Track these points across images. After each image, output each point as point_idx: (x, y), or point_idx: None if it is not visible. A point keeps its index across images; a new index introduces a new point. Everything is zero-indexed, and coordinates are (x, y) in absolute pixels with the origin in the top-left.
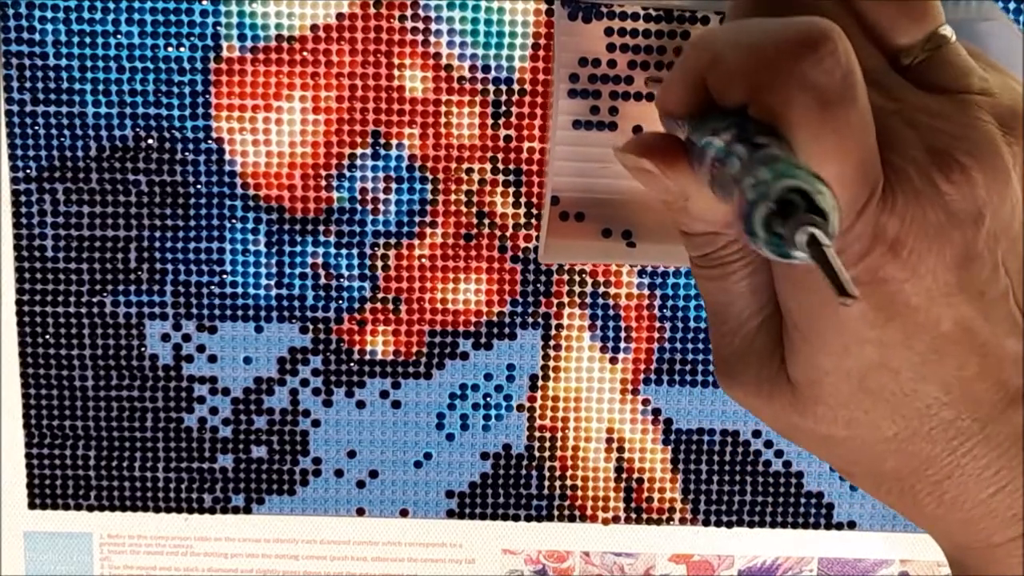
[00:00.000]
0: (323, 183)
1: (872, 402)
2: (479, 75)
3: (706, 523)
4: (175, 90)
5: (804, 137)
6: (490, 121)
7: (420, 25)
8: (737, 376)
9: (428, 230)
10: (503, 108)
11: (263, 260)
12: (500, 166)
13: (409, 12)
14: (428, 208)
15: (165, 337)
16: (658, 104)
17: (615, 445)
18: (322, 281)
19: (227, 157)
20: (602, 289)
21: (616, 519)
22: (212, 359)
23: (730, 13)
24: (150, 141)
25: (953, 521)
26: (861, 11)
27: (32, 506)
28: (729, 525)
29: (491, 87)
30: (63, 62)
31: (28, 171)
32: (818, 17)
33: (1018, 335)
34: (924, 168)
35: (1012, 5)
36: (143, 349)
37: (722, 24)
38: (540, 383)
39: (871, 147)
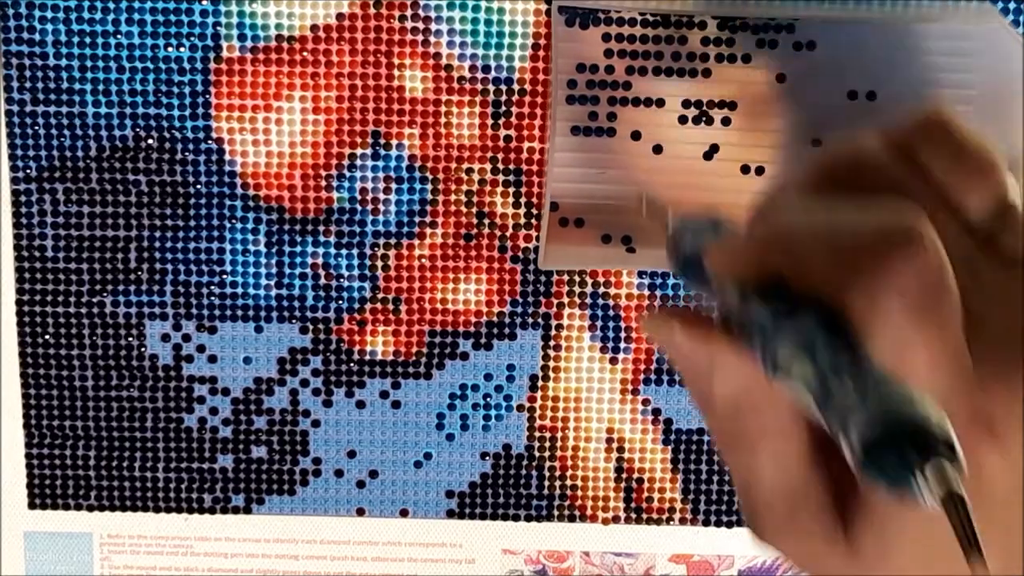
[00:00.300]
0: (323, 183)
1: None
2: (479, 75)
3: (706, 523)
4: (175, 90)
5: (891, 342)
6: (490, 121)
7: (420, 25)
8: (780, 537)
9: (428, 230)
10: (503, 108)
11: (263, 260)
12: (500, 166)
13: (409, 12)
14: (428, 208)
15: (165, 337)
16: (718, 267)
17: (615, 445)
18: (322, 281)
19: (227, 157)
20: (602, 289)
21: (616, 519)
22: (212, 359)
23: (794, 182)
24: (150, 141)
25: None
26: (931, 176)
27: (32, 506)
28: (729, 525)
29: (491, 87)
30: (63, 62)
31: (28, 171)
32: (902, 206)
33: None
34: (1011, 346)
35: (1012, 5)
36: (143, 349)
37: (785, 193)
38: (540, 383)
39: (960, 337)
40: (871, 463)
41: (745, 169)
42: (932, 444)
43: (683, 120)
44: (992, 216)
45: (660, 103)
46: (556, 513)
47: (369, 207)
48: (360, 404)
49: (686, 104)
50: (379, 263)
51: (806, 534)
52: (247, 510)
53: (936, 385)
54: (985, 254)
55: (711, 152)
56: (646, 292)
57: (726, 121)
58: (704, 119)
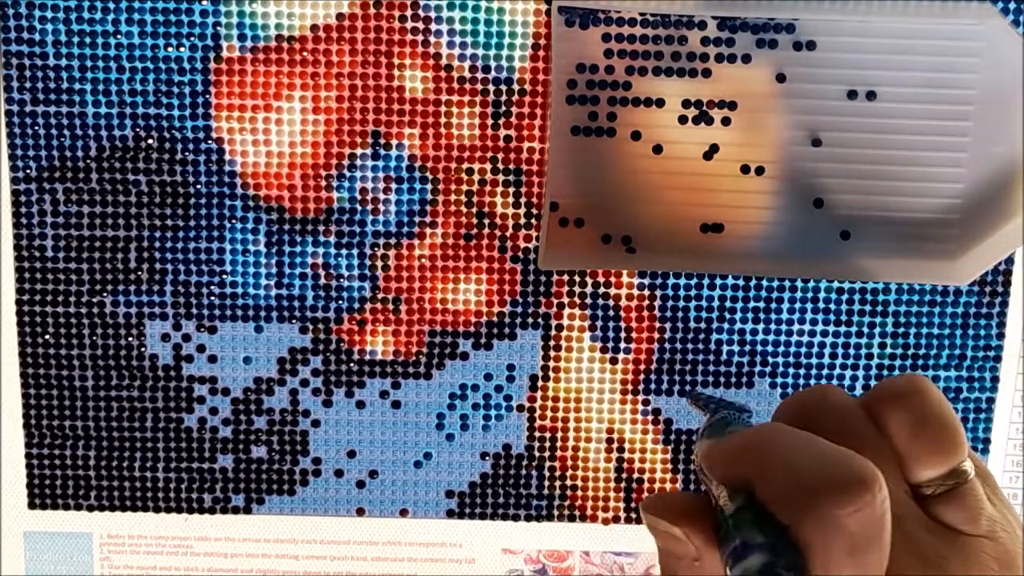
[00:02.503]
0: (323, 183)
1: None
2: (479, 75)
3: None
4: (175, 90)
5: (826, 571)
6: (490, 121)
7: (420, 25)
8: None
9: (428, 230)
10: (503, 108)
11: (263, 260)
12: (500, 166)
13: (409, 12)
14: (428, 208)
15: (165, 337)
16: (700, 462)
17: (615, 445)
18: (322, 281)
19: (227, 157)
20: (602, 289)
21: (616, 519)
22: (212, 359)
23: (779, 413)
24: (150, 141)
25: None
26: (895, 440)
27: (32, 506)
28: None
29: (491, 87)
30: (63, 62)
31: (28, 171)
32: (861, 458)
33: None
34: None
35: (1012, 5)
36: (143, 349)
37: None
38: (540, 383)
39: None
40: None
41: (745, 169)
42: None
43: (683, 120)
44: (942, 488)
45: (660, 103)
46: (556, 513)
47: (369, 207)
48: (360, 404)
49: (686, 104)
50: (379, 263)
51: None
52: (247, 510)
53: None
54: (925, 519)
55: (711, 152)
56: (646, 292)
57: (726, 121)
58: (704, 119)
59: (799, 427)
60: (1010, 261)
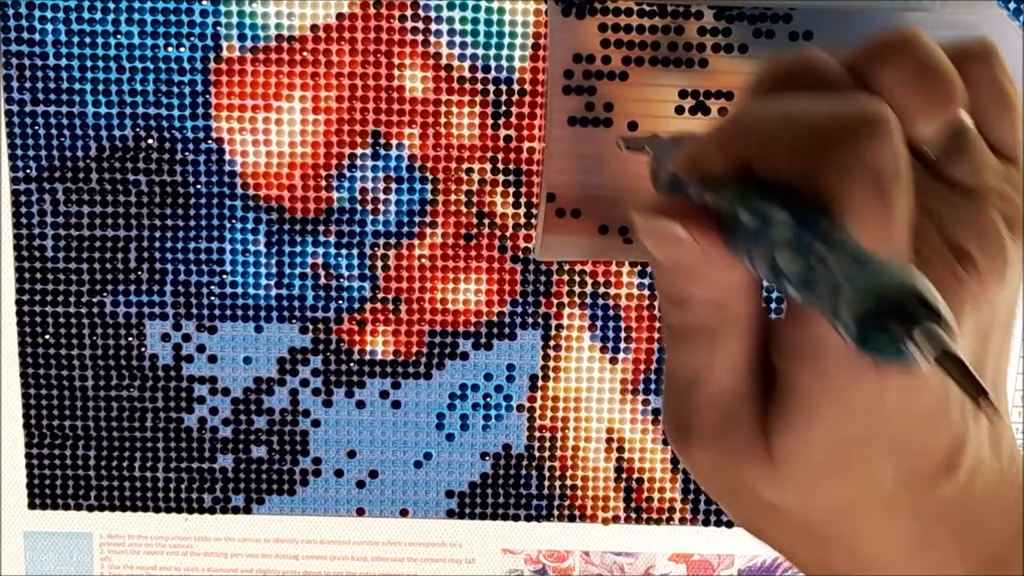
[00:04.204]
0: (323, 183)
1: (837, 474)
2: (479, 75)
3: (706, 523)
4: (175, 90)
5: (858, 218)
6: (490, 121)
7: (420, 25)
8: (706, 444)
9: (428, 230)
10: (503, 108)
11: (263, 260)
12: (500, 166)
13: (409, 12)
14: (428, 208)
15: (165, 337)
16: (682, 169)
17: (615, 445)
18: (322, 281)
19: (227, 157)
20: (602, 289)
21: (616, 519)
22: (212, 359)
23: (749, 91)
24: (150, 141)
25: None
26: (888, 96)
27: (32, 506)
28: (729, 525)
29: (491, 87)
30: (63, 62)
31: (28, 171)
32: (871, 96)
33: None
34: (944, 257)
35: (1012, 5)
36: (143, 349)
37: (745, 101)
38: (540, 383)
39: (908, 232)
40: (865, 338)
41: None
42: (919, 310)
43: (680, 110)
44: (945, 141)
45: (657, 94)
46: (556, 513)
47: (369, 207)
48: (360, 404)
49: (683, 94)
50: (379, 263)
51: (731, 441)
52: (247, 510)
53: (916, 248)
54: (931, 175)
55: None
56: (646, 292)
57: (723, 111)
58: (701, 109)
59: (777, 90)
60: None
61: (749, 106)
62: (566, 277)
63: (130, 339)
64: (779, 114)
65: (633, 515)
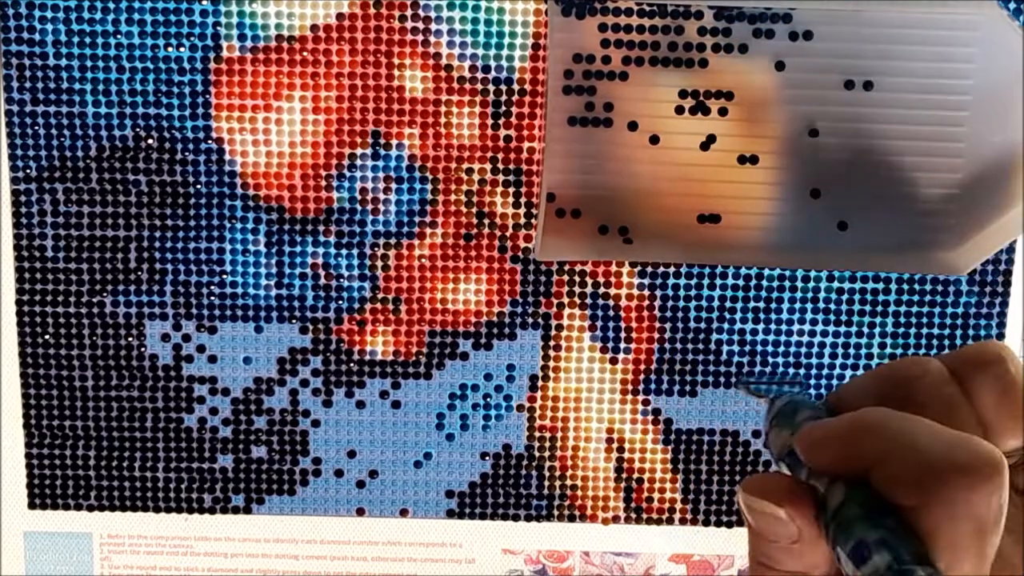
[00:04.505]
0: (323, 183)
1: None
2: (479, 75)
3: (706, 523)
4: (175, 90)
5: (951, 554)
6: (490, 121)
7: (420, 25)
8: None
9: (428, 230)
10: (503, 108)
11: (263, 260)
12: (500, 166)
13: (409, 12)
14: (428, 208)
15: (165, 337)
16: (803, 449)
17: (615, 445)
18: (322, 281)
19: (227, 157)
20: (602, 289)
21: (616, 519)
22: (212, 359)
23: (862, 382)
24: (150, 141)
25: None
26: (981, 410)
27: (32, 506)
28: (729, 525)
29: (491, 87)
30: (63, 62)
31: (28, 171)
32: (987, 443)
33: None
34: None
35: (1012, 5)
36: (143, 349)
37: (852, 391)
38: (540, 383)
39: (991, 562)
40: None
41: (742, 159)
42: None
43: (680, 110)
44: (1021, 457)
45: (657, 94)
46: (556, 513)
47: (369, 207)
48: (360, 404)
49: (683, 94)
50: (379, 263)
51: None
52: (247, 510)
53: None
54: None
55: (708, 142)
56: (646, 292)
57: (723, 111)
58: (701, 109)
59: (890, 391)
60: (1010, 261)
61: (880, 414)
62: (566, 277)
63: (130, 339)
64: (905, 434)
65: (633, 515)
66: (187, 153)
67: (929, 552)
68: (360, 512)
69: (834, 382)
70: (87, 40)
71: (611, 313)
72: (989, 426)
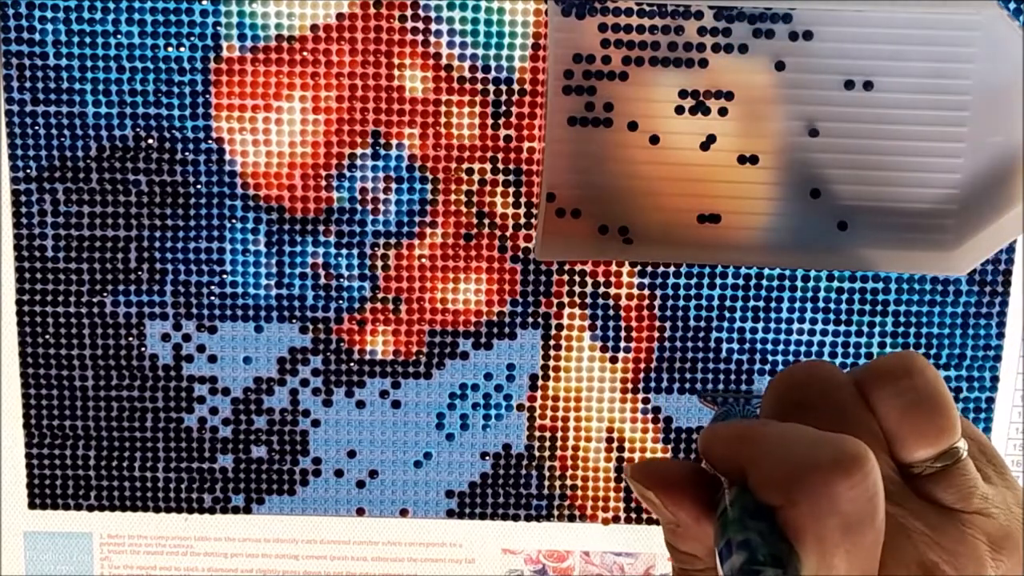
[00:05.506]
0: (323, 183)
1: None
2: (479, 75)
3: None
4: (175, 90)
5: (820, 552)
6: (490, 121)
7: (420, 25)
8: None
9: (428, 230)
10: (503, 108)
11: (263, 260)
12: (500, 166)
13: (409, 12)
14: (428, 208)
15: (165, 337)
16: (699, 447)
17: (615, 445)
18: (322, 281)
19: (227, 157)
20: (602, 289)
21: (616, 519)
22: (212, 359)
23: (763, 409)
24: (150, 141)
25: None
26: (883, 421)
27: (32, 506)
28: None
29: (491, 87)
30: (63, 62)
31: (28, 171)
32: (852, 438)
33: None
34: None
35: (1012, 5)
36: (143, 349)
37: (759, 417)
38: (540, 383)
39: (876, 559)
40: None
41: (742, 159)
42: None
43: (680, 110)
44: (930, 468)
45: (657, 94)
46: (556, 513)
47: (369, 207)
48: (360, 404)
49: (683, 94)
50: (379, 263)
51: None
52: (247, 510)
53: (885, 562)
54: (916, 492)
55: (708, 142)
56: (646, 292)
57: (723, 111)
58: (701, 109)
59: (789, 401)
60: (1010, 261)
61: (760, 422)
62: (566, 277)
63: (130, 339)
64: (777, 437)
65: (633, 515)
66: (187, 153)
67: (799, 551)
68: (360, 512)
69: None
70: (87, 40)
71: (611, 313)
72: (893, 437)
